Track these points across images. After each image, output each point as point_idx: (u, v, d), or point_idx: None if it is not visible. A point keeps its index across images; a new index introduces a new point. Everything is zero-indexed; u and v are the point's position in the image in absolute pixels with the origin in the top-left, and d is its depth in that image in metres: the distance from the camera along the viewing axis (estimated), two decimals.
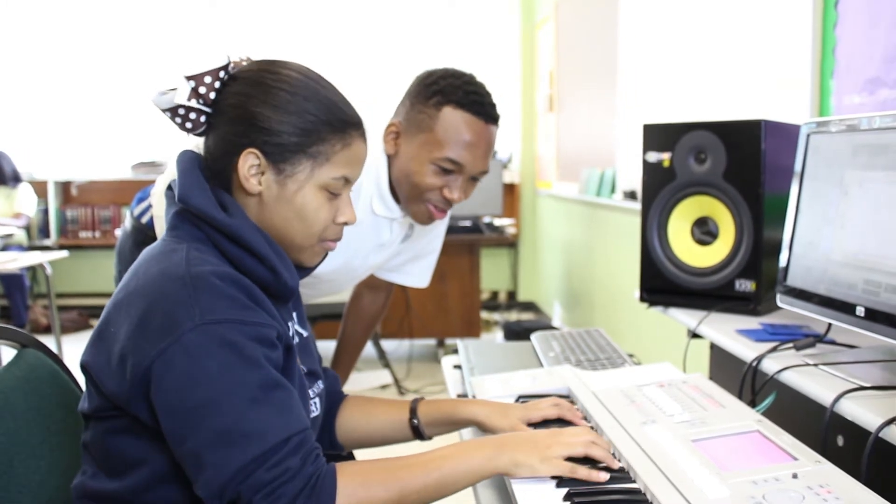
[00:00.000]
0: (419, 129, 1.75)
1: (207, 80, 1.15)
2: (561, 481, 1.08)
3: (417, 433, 1.39)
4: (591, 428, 1.29)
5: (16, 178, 6.29)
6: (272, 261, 1.13)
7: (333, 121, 1.16)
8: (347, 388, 1.50)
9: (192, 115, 1.16)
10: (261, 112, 1.13)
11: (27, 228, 6.49)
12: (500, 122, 1.81)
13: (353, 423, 1.41)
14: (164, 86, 1.16)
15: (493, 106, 1.77)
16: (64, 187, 7.15)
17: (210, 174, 1.17)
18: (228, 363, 1.00)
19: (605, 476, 1.07)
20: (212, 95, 1.15)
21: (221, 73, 1.16)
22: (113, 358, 1.07)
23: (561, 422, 1.31)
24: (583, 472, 1.08)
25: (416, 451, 1.13)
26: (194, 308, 1.02)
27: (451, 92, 1.73)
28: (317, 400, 1.28)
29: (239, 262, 1.12)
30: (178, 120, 1.16)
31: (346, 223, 1.22)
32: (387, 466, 1.07)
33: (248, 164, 1.13)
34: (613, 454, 1.17)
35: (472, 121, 1.73)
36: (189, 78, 1.14)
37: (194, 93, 1.14)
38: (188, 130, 1.18)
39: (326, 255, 1.28)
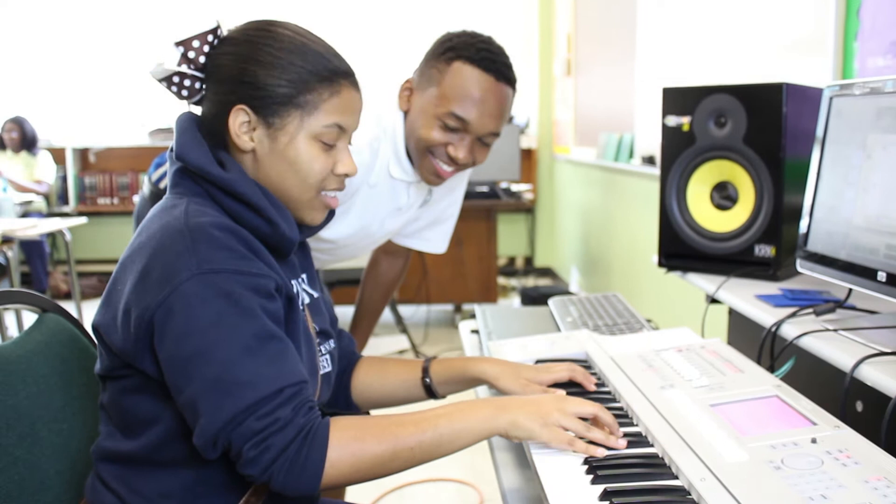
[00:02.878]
0: (429, 83, 1.73)
1: (196, 44, 1.16)
2: None
3: (430, 392, 1.40)
4: (608, 393, 1.29)
5: (35, 145, 6.35)
6: (269, 212, 1.13)
7: (320, 70, 1.16)
8: (365, 353, 1.51)
9: (186, 82, 1.17)
10: (247, 68, 1.14)
11: (46, 196, 6.53)
12: (518, 87, 1.77)
13: (368, 384, 1.42)
14: (160, 56, 1.17)
15: (506, 66, 1.72)
16: (82, 154, 7.18)
17: (208, 136, 1.18)
18: (224, 312, 1.01)
19: (602, 453, 1.05)
20: (201, 60, 1.16)
21: (210, 37, 1.17)
22: (119, 314, 1.08)
23: (573, 385, 1.31)
24: (580, 446, 1.05)
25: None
26: (192, 258, 1.03)
27: (462, 48, 1.70)
28: (328, 357, 1.29)
29: (237, 216, 1.13)
30: (174, 88, 1.18)
31: (346, 174, 1.21)
32: (382, 422, 1.07)
33: (239, 120, 1.14)
34: (631, 419, 1.17)
35: (481, 76, 1.69)
36: (178, 44, 1.15)
37: (184, 58, 1.15)
38: (185, 98, 1.19)
39: (333, 214, 1.28)
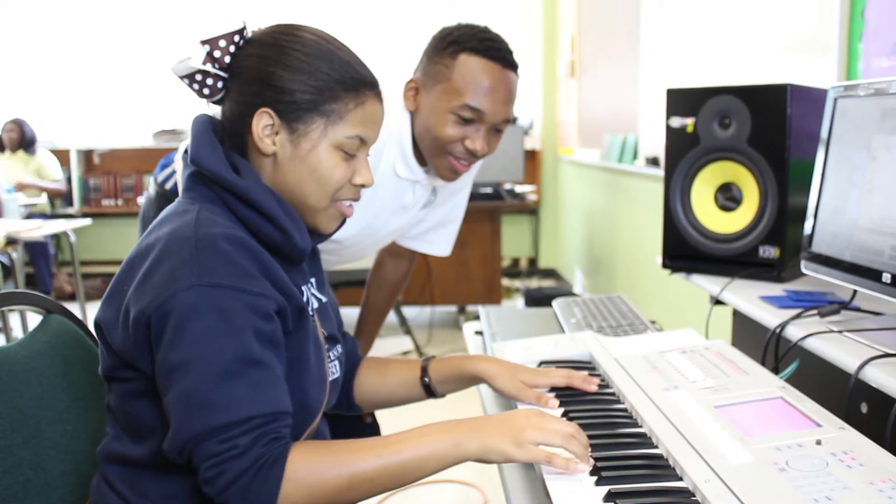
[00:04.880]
0: (436, 80, 1.72)
1: (222, 43, 1.15)
2: None
3: (429, 391, 1.40)
4: (612, 394, 1.29)
5: (33, 145, 6.39)
6: (282, 221, 1.13)
7: (346, 79, 1.15)
8: (369, 355, 1.51)
9: (209, 81, 1.16)
10: (274, 72, 1.13)
11: (50, 198, 6.55)
12: (520, 77, 1.77)
13: (369, 385, 1.42)
14: (184, 53, 1.16)
15: (509, 52, 1.73)
16: (86, 155, 7.19)
17: (226, 138, 1.18)
18: (214, 329, 1.01)
19: (582, 468, 1.00)
20: (227, 59, 1.15)
21: (236, 38, 1.16)
22: (120, 313, 1.08)
23: (572, 390, 1.30)
24: (560, 461, 1.01)
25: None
26: (195, 268, 1.03)
27: (466, 40, 1.70)
28: (336, 363, 1.29)
29: (250, 224, 1.12)
30: (196, 86, 1.17)
31: (363, 185, 1.21)
32: (340, 449, 1.05)
33: (262, 123, 1.13)
34: (635, 420, 1.17)
35: (490, 66, 1.69)
36: (204, 42, 1.14)
37: (209, 57, 1.14)
38: (206, 97, 1.18)
39: (344, 221, 1.28)
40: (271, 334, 1.07)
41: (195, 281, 1.02)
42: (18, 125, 6.32)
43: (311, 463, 1.02)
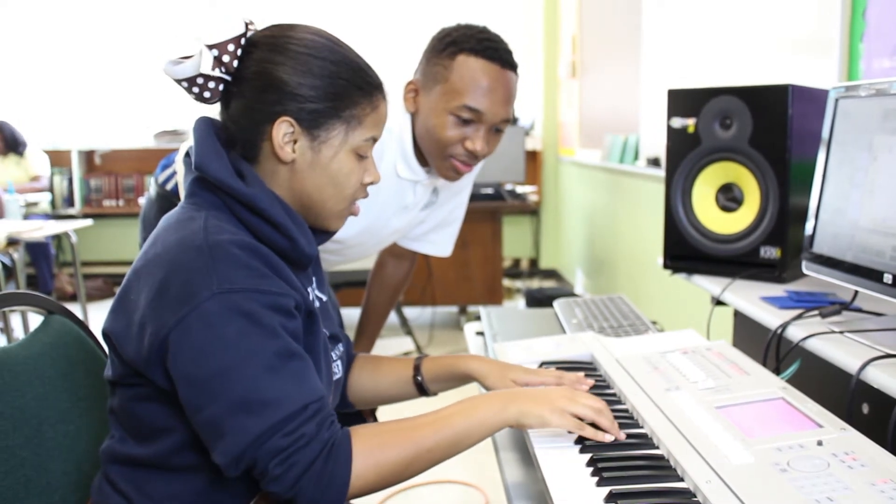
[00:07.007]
0: (435, 81, 1.73)
1: (231, 48, 1.12)
2: (584, 447, 1.08)
3: (422, 390, 1.41)
4: (613, 394, 1.29)
5: (22, 144, 6.37)
6: (289, 229, 1.12)
7: (362, 84, 1.16)
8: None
9: (211, 85, 1.14)
10: (291, 78, 1.11)
11: (52, 198, 6.55)
12: (521, 77, 1.78)
13: (363, 382, 1.43)
14: (176, 55, 1.13)
15: (508, 52, 1.74)
16: (87, 156, 7.19)
17: (233, 142, 1.16)
18: (245, 332, 1.01)
19: (610, 438, 1.09)
20: (234, 64, 1.14)
21: (242, 41, 1.14)
22: (133, 325, 1.07)
23: None
24: (589, 431, 1.09)
25: (428, 408, 1.14)
26: (212, 277, 1.02)
27: (464, 41, 1.71)
28: (339, 362, 1.29)
29: (256, 230, 1.12)
30: (196, 90, 1.14)
31: (371, 183, 1.22)
32: (400, 427, 1.08)
33: (282, 132, 1.12)
34: (636, 420, 1.17)
35: (487, 66, 1.70)
36: (211, 46, 1.11)
37: (217, 61, 1.12)
38: (204, 100, 1.16)
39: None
40: (294, 330, 1.08)
41: (215, 289, 1.01)
42: None
43: (376, 441, 1.05)
